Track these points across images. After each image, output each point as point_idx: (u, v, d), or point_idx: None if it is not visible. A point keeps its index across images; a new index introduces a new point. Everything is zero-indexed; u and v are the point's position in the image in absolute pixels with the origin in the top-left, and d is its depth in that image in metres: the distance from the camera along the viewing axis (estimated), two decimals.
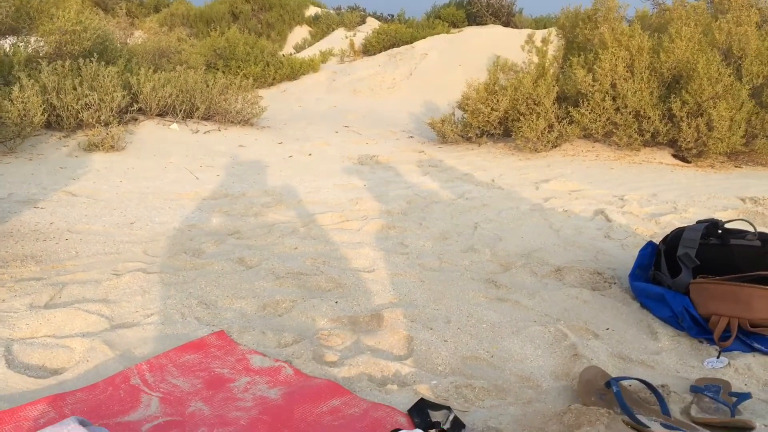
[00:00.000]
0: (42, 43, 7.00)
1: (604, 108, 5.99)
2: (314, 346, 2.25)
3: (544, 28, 13.24)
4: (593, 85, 6.11)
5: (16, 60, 6.27)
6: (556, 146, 6.31)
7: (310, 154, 6.34)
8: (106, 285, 2.72)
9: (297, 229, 3.77)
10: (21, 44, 6.86)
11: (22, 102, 5.35)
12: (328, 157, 6.25)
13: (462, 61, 11.60)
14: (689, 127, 5.59)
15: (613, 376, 2.03)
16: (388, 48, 13.60)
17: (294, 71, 12.27)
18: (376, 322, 2.48)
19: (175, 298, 2.63)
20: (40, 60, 6.23)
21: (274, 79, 11.93)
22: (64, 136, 5.83)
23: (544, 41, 7.12)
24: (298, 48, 16.66)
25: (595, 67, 6.17)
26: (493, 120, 6.63)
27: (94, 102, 5.92)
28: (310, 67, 12.72)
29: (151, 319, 2.43)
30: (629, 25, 6.59)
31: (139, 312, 2.49)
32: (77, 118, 5.90)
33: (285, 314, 2.55)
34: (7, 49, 6.75)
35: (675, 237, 2.80)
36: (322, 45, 15.63)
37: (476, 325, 2.46)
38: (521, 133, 6.19)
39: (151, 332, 2.33)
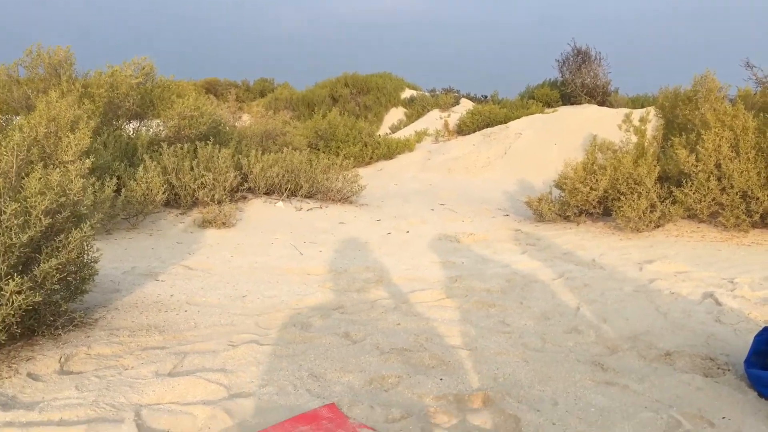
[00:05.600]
0: (162, 128, 7.64)
1: (708, 188, 5.85)
2: (422, 422, 2.29)
3: (641, 107, 13.15)
4: (696, 165, 6.00)
5: (140, 143, 6.86)
6: (658, 226, 6.18)
7: (407, 232, 6.49)
8: (223, 355, 2.89)
9: (398, 305, 3.86)
10: (143, 128, 7.52)
11: (146, 182, 5.82)
12: (425, 235, 6.37)
13: (557, 140, 11.64)
14: None
15: None
16: (482, 128, 13.84)
17: (390, 151, 12.67)
18: (482, 401, 2.50)
19: (287, 369, 2.75)
20: (161, 142, 6.78)
21: (371, 158, 12.35)
22: (180, 213, 6.26)
23: (642, 120, 7.08)
24: (394, 128, 17.21)
25: (697, 147, 6.07)
26: (592, 199, 6.59)
27: (209, 182, 6.36)
28: (406, 146, 13.11)
29: (265, 389, 2.55)
30: (732, 105, 6.47)
31: (255, 382, 2.63)
32: (193, 196, 6.35)
33: (391, 389, 2.61)
34: (131, 133, 7.41)
35: None
36: (417, 125, 16.10)
37: (585, 409, 2.43)
38: (622, 213, 6.11)
39: (266, 402, 2.45)
